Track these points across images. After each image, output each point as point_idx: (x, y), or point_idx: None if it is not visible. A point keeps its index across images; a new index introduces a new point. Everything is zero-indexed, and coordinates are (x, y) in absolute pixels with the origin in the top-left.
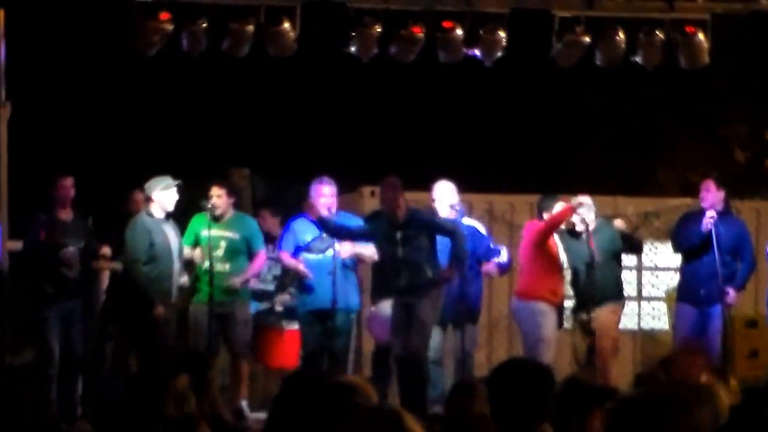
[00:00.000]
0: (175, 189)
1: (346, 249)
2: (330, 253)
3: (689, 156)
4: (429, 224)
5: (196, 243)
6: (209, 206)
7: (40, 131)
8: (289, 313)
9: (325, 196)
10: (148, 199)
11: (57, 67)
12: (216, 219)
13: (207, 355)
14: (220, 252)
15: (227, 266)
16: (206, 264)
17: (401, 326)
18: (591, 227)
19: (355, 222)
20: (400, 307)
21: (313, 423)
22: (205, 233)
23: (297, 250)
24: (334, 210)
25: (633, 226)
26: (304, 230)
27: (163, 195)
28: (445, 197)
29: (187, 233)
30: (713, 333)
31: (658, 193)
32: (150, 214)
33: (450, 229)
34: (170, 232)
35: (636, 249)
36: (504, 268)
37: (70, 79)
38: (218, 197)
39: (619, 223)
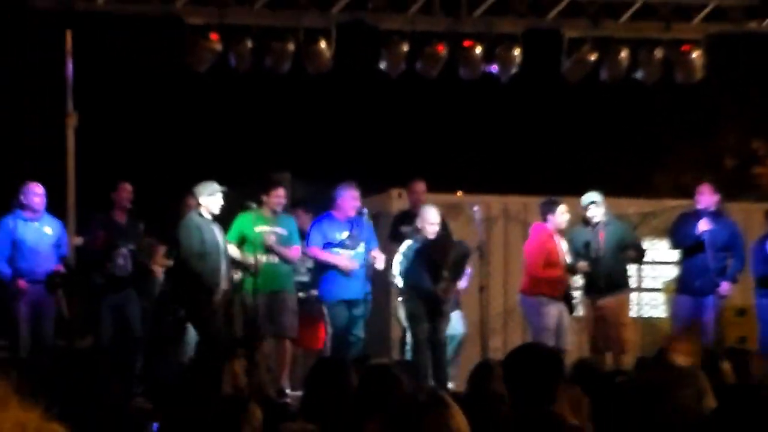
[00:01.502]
0: (220, 194)
1: (380, 260)
2: (361, 249)
3: (684, 162)
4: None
5: (242, 240)
6: (274, 206)
7: (103, 139)
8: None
9: (356, 198)
10: (197, 202)
11: (118, 82)
12: (267, 216)
13: (256, 341)
14: None
15: (277, 259)
16: (251, 259)
17: (427, 315)
18: (601, 222)
19: (367, 228)
20: (427, 301)
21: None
22: (258, 229)
23: (325, 247)
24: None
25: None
26: (333, 228)
27: (210, 200)
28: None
29: (231, 231)
30: (707, 322)
31: (656, 195)
32: (200, 215)
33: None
34: (217, 231)
35: (638, 260)
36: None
37: (130, 93)
38: (283, 198)
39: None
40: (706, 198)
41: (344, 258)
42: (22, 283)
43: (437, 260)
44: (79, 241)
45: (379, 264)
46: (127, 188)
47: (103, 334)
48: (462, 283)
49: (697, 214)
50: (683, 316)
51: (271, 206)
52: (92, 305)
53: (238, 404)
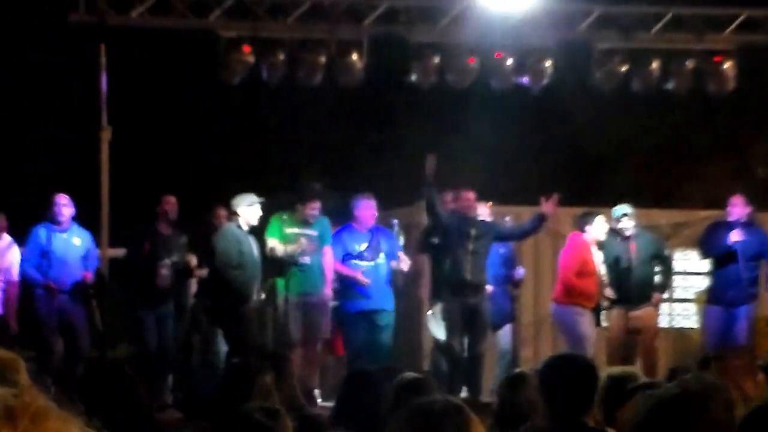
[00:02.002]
0: (258, 205)
1: (405, 262)
2: (380, 260)
3: (715, 173)
4: (494, 228)
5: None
6: (307, 217)
7: (137, 152)
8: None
9: (373, 208)
10: (234, 213)
11: (152, 95)
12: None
13: (287, 351)
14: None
15: (308, 260)
16: (291, 248)
17: (462, 326)
18: (631, 234)
19: (390, 238)
20: (463, 307)
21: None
22: (288, 231)
23: (345, 258)
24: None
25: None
26: (352, 239)
27: (248, 211)
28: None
29: (271, 228)
30: (739, 332)
31: (687, 206)
32: (238, 226)
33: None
34: (253, 243)
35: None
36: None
37: (164, 105)
38: (317, 210)
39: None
40: (739, 210)
41: (359, 273)
42: (52, 284)
43: (464, 212)
44: (117, 252)
45: (404, 266)
46: (171, 200)
47: (147, 345)
48: (519, 272)
49: (728, 225)
50: (715, 327)
51: (304, 217)
52: (128, 315)
53: (269, 416)
